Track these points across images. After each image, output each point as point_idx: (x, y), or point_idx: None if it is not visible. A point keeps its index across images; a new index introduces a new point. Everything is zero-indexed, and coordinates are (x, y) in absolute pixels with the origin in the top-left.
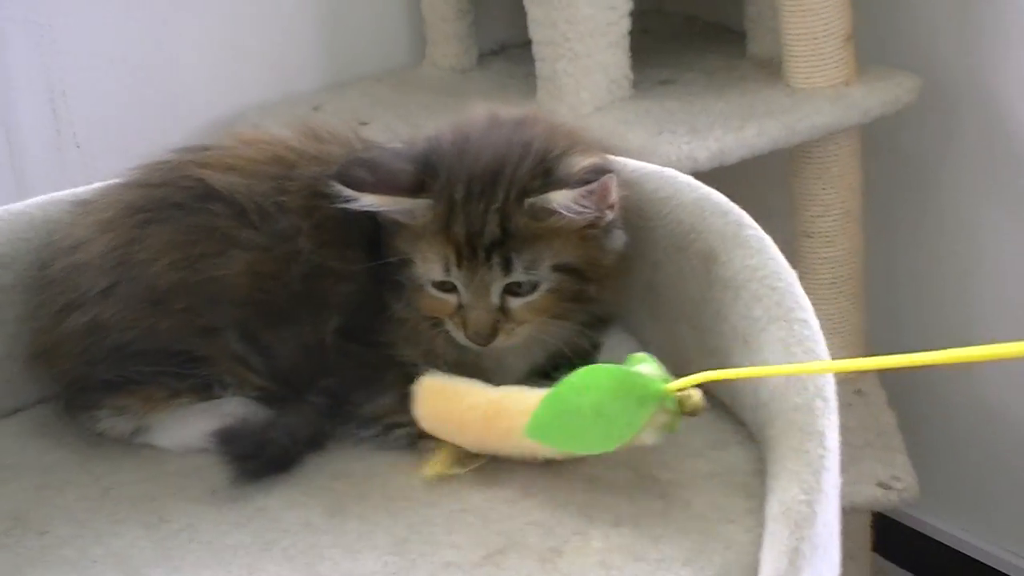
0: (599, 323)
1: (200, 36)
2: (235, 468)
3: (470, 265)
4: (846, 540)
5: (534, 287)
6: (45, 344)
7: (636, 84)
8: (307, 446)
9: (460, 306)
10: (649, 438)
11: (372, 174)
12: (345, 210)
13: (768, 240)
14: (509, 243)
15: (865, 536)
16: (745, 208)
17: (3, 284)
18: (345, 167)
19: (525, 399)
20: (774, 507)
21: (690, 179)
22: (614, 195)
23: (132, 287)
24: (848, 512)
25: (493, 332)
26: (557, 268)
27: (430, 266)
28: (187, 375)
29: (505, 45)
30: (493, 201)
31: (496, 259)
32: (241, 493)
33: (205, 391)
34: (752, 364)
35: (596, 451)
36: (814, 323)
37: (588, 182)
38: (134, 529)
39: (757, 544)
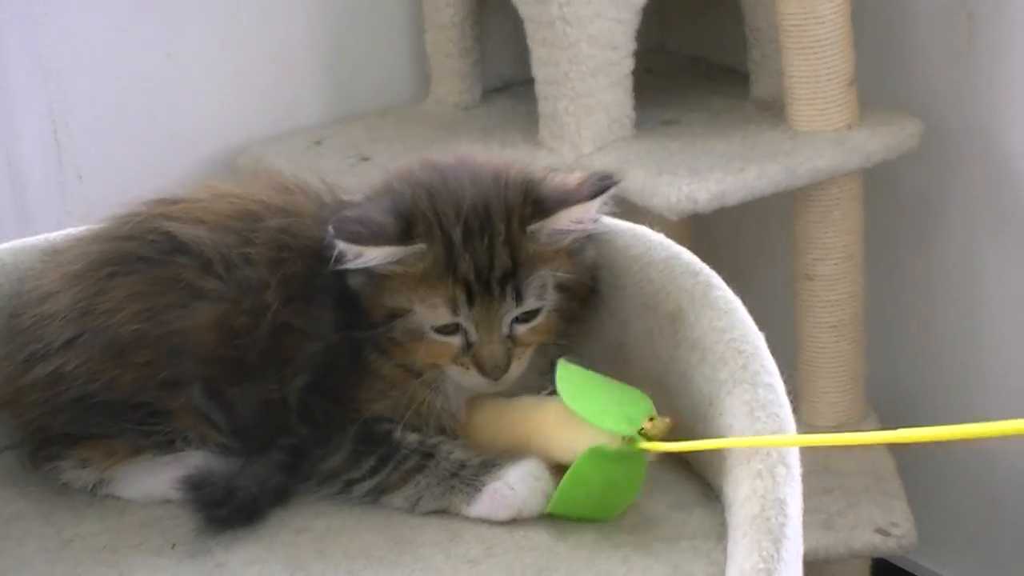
0: None
1: (203, 70)
2: (203, 516)
3: (483, 302)
4: None
5: (538, 311)
6: (10, 393)
7: (639, 124)
8: (275, 496)
9: (468, 346)
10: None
11: (364, 227)
12: (310, 265)
13: (737, 302)
14: (520, 272)
15: None
16: (746, 250)
17: None
18: (342, 224)
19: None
20: (734, 574)
21: (662, 237)
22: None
23: (95, 338)
24: (847, 559)
25: (508, 362)
26: (557, 288)
27: (436, 311)
28: (149, 430)
29: (509, 82)
30: (496, 235)
31: (509, 291)
32: (201, 547)
33: (168, 446)
34: (718, 427)
35: (613, 516)
36: (779, 387)
37: (604, 189)
38: None
39: None
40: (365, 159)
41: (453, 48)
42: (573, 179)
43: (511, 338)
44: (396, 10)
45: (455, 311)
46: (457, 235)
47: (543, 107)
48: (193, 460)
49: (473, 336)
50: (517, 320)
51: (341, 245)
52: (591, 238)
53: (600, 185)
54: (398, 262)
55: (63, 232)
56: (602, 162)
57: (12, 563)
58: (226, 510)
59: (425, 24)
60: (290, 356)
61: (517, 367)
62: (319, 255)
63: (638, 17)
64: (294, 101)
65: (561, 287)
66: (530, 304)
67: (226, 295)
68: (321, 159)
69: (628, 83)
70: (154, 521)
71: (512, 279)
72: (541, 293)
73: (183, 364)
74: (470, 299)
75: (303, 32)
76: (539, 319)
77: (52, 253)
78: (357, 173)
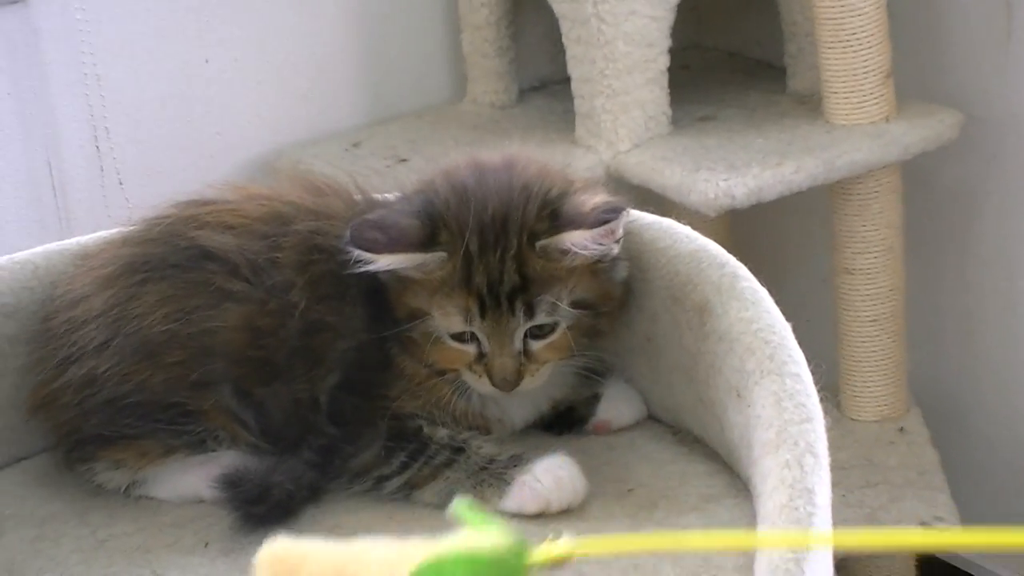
0: (600, 373)
1: (241, 74)
2: (240, 514)
3: (494, 315)
4: None
5: (553, 328)
6: (45, 396)
7: (675, 120)
8: (308, 493)
9: (481, 355)
10: None
11: (384, 234)
12: (342, 264)
13: (763, 292)
14: (530, 288)
15: None
16: (785, 245)
17: (7, 334)
18: (358, 231)
19: (382, 550)
20: (762, 564)
21: (688, 230)
22: (621, 230)
23: (127, 340)
24: (891, 553)
25: (519, 376)
26: (575, 304)
27: (450, 319)
28: (181, 430)
29: (545, 81)
30: (508, 248)
31: (519, 306)
32: (234, 546)
33: (199, 446)
34: (746, 418)
35: None
36: (807, 377)
37: (605, 221)
38: None
39: None
40: (402, 161)
41: (489, 48)
42: (590, 202)
43: (525, 353)
44: (432, 11)
45: (468, 321)
46: (475, 246)
47: (579, 105)
48: (225, 459)
49: (486, 347)
50: (532, 336)
51: (355, 252)
52: (619, 258)
53: (602, 217)
54: (417, 267)
55: (94, 235)
56: (639, 159)
57: (48, 563)
58: (263, 507)
59: (461, 24)
60: (322, 355)
61: (530, 381)
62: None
63: (673, 14)
64: (331, 104)
65: (581, 304)
66: (540, 319)
67: (253, 297)
68: (358, 161)
69: (664, 80)
70: (187, 521)
71: (522, 294)
72: (553, 310)
73: (213, 364)
74: (483, 311)
75: (339, 35)
76: (554, 336)
77: (83, 257)
78: (394, 175)
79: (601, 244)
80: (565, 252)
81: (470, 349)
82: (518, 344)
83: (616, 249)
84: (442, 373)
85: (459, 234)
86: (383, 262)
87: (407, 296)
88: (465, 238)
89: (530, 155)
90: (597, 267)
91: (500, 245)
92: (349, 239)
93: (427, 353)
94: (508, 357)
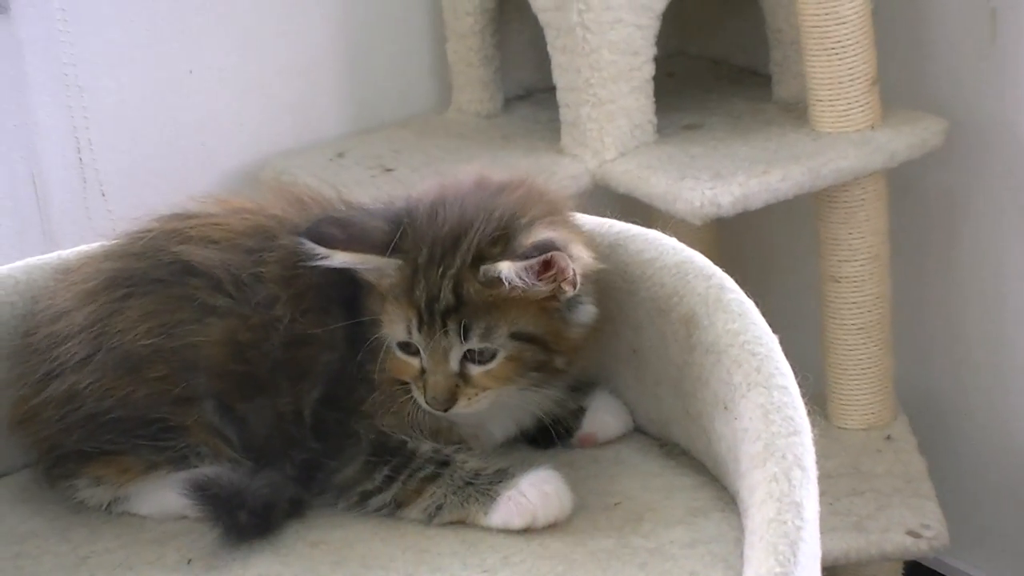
0: (582, 386)
1: (224, 84)
2: (220, 524)
3: (429, 331)
4: None
5: (493, 355)
6: (26, 412)
7: (660, 128)
8: (290, 506)
9: (423, 371)
10: None
11: (343, 231)
12: (326, 276)
13: (750, 305)
14: (463, 310)
15: None
16: (771, 253)
17: None
18: (316, 224)
19: None
20: None
21: (674, 241)
22: (570, 272)
23: (109, 355)
24: (878, 561)
25: (452, 398)
26: (515, 336)
27: (395, 327)
28: (163, 446)
29: (531, 90)
30: (450, 267)
31: (451, 326)
32: (218, 562)
33: (181, 462)
34: (733, 431)
35: None
36: (794, 390)
37: (527, 256)
38: None
39: None
40: (388, 170)
41: (474, 57)
42: (534, 236)
43: (463, 376)
44: (416, 20)
45: (409, 332)
46: (423, 259)
47: (565, 114)
48: (204, 473)
49: (426, 362)
50: (472, 360)
51: (306, 244)
52: (579, 301)
53: (528, 252)
54: (373, 270)
55: (75, 249)
56: (624, 168)
57: None
58: (243, 515)
59: (446, 33)
60: (306, 368)
61: (467, 405)
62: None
63: (658, 22)
64: (316, 114)
65: (524, 337)
66: (473, 344)
67: (236, 311)
68: (343, 171)
69: (649, 88)
70: (169, 537)
71: (454, 315)
72: (487, 337)
73: (196, 379)
74: (420, 325)
75: (323, 44)
76: (493, 364)
77: (64, 271)
78: (380, 185)
79: (527, 281)
80: (499, 281)
81: (415, 362)
82: (454, 365)
83: (569, 291)
84: (402, 384)
85: (415, 245)
86: (338, 259)
87: (370, 300)
88: (418, 250)
89: (532, 180)
90: (547, 305)
91: (444, 263)
92: (305, 232)
93: (383, 362)
94: (442, 376)
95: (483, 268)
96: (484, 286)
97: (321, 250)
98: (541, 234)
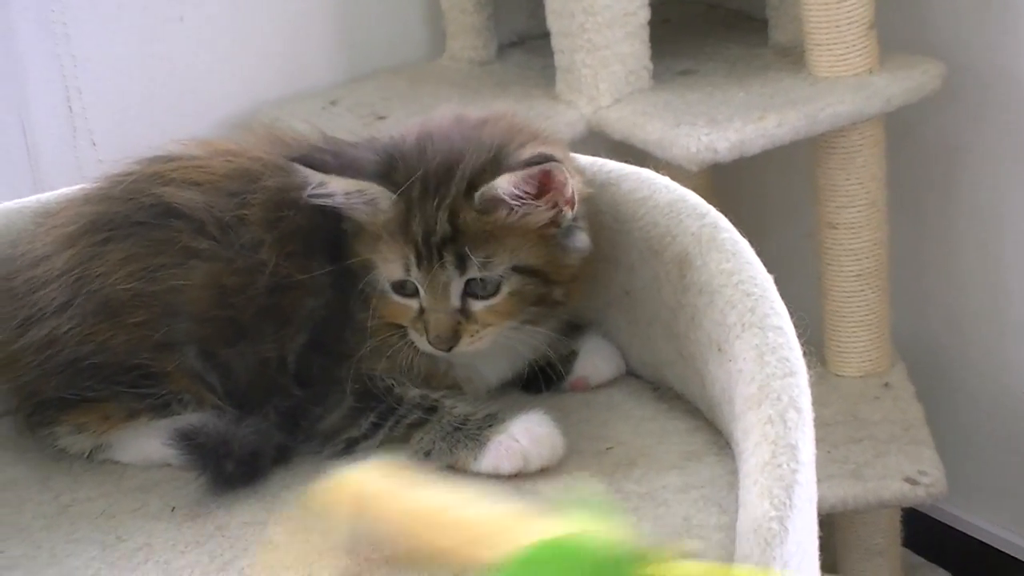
0: (574, 330)
1: (216, 32)
2: (206, 473)
3: (428, 266)
4: (876, 536)
5: (496, 288)
6: (5, 358)
7: (656, 74)
8: (276, 453)
9: (422, 310)
10: None
11: (336, 159)
12: (311, 219)
13: (744, 244)
14: (461, 239)
15: (895, 532)
16: (768, 200)
17: None
18: (309, 151)
19: (461, 515)
20: (745, 523)
21: (667, 180)
22: (569, 190)
23: (89, 300)
24: (876, 508)
25: (455, 335)
26: (517, 269)
27: (391, 267)
28: (144, 393)
29: (524, 37)
30: (445, 197)
31: (449, 257)
32: (201, 510)
33: (163, 409)
34: (727, 372)
35: None
36: (790, 330)
37: (528, 164)
38: (90, 549)
39: (729, 562)
40: (380, 118)
41: (468, 3)
42: (527, 151)
43: (463, 312)
44: None
45: (407, 270)
46: (416, 192)
47: (559, 60)
48: (189, 422)
49: (425, 301)
50: (473, 295)
51: (303, 170)
52: (576, 226)
53: (527, 160)
54: (366, 203)
55: (55, 192)
56: (620, 114)
57: (10, 529)
58: (229, 464)
59: None
60: (290, 314)
61: (469, 343)
62: (320, 209)
63: None
64: (308, 61)
65: (526, 270)
66: (473, 273)
67: (220, 255)
68: (336, 119)
69: (645, 34)
70: (153, 485)
71: (452, 245)
72: (488, 266)
73: (178, 325)
74: (418, 261)
75: None
76: (497, 299)
77: (44, 215)
78: (373, 132)
79: (528, 194)
80: (499, 204)
81: (412, 304)
82: (455, 301)
83: (568, 213)
84: (404, 332)
85: (407, 179)
86: (332, 186)
87: (359, 243)
88: (411, 185)
89: (513, 114)
90: (545, 232)
91: (438, 194)
92: (297, 157)
93: (376, 307)
94: (443, 313)
95: (481, 189)
96: (481, 213)
97: (315, 176)
98: (536, 149)
